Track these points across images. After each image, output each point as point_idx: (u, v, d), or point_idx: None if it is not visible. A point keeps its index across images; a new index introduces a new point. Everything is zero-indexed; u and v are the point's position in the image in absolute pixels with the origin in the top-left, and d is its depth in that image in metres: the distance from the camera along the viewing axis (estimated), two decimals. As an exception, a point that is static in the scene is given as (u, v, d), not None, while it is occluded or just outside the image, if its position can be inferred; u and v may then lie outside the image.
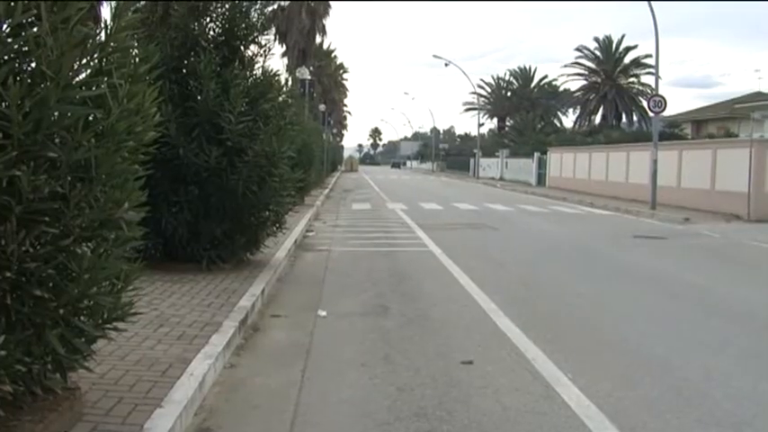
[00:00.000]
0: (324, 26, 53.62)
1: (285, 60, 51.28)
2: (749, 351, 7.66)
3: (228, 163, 10.18)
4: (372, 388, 6.13)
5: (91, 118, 4.46)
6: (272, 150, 10.35)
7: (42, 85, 4.09)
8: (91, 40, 4.46)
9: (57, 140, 4.28)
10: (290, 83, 13.09)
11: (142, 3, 10.24)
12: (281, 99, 11.49)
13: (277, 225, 11.70)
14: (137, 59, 5.07)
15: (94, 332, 4.97)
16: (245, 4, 11.03)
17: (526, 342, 7.63)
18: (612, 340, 8.03)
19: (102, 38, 4.60)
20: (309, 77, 42.25)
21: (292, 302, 9.71)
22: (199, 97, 10.25)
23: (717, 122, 59.88)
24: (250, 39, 11.18)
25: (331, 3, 53.26)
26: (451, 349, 7.36)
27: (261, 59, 11.31)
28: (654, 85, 33.19)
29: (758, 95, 60.51)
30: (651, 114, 32.59)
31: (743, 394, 6.15)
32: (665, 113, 41.22)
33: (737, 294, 11.16)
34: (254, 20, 11.14)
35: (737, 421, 5.56)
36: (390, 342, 7.64)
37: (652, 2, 29.39)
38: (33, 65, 4.16)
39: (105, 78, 4.57)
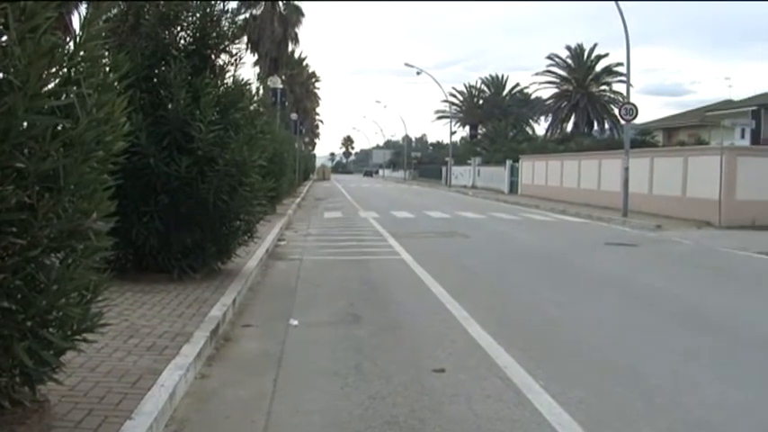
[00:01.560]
0: (296, 35, 53.66)
1: (257, 69, 51.21)
2: (719, 358, 7.72)
3: (199, 172, 10.13)
4: (344, 397, 6.11)
5: (59, 128, 4.43)
6: (243, 159, 10.31)
7: (10, 95, 4.05)
8: (59, 50, 4.43)
9: (25, 151, 4.25)
10: (261, 91, 13.04)
11: (113, 12, 10.19)
12: (252, 108, 11.47)
13: (248, 234, 11.66)
14: (107, 69, 5.04)
15: (63, 344, 4.92)
16: (216, 12, 11.00)
17: (498, 350, 7.64)
18: (584, 347, 8.07)
19: (72, 47, 4.57)
20: (281, 86, 42.17)
21: (264, 312, 9.67)
22: (169, 106, 10.20)
23: (688, 130, 60.45)
24: (221, 48, 11.15)
25: (303, 10, 53.29)
26: (423, 357, 7.36)
27: (232, 68, 11.30)
28: (625, 93, 33.44)
29: (728, 103, 61.11)
30: (623, 122, 32.83)
31: (713, 401, 6.19)
32: (637, 121, 41.55)
33: (708, 302, 11.25)
34: (226, 29, 11.11)
35: (708, 428, 5.61)
36: (362, 351, 7.63)
37: (623, 8, 29.71)
38: (0, 75, 4.13)
39: (74, 88, 4.54)
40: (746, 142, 46.60)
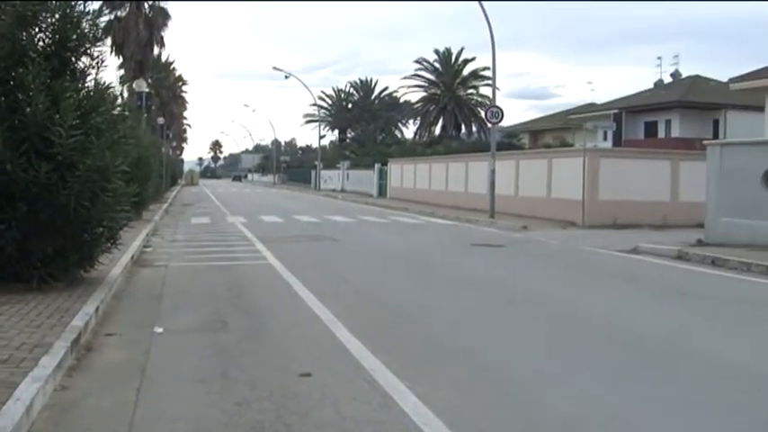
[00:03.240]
0: (162, 38, 52.63)
1: (122, 72, 49.99)
2: (582, 354, 7.95)
3: (60, 178, 9.77)
4: (209, 404, 6.02)
5: None
6: (105, 165, 10.02)
7: None
8: None
9: None
10: (125, 95, 12.74)
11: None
12: (115, 112, 11.18)
13: (112, 241, 11.33)
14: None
15: None
16: (76, 13, 10.67)
17: (365, 353, 7.67)
18: (450, 348, 8.19)
19: None
20: (147, 90, 41.26)
21: (128, 320, 9.42)
22: (27, 110, 9.80)
23: (553, 132, 62.37)
24: (82, 50, 10.83)
25: (170, 13, 52.32)
26: (290, 362, 7.32)
27: (94, 71, 10.99)
28: (492, 97, 34.16)
29: (591, 106, 63.31)
30: (489, 125, 33.56)
31: (574, 396, 6.37)
32: (504, 124, 42.61)
33: (571, 299, 11.60)
34: (87, 30, 10.78)
35: (569, 422, 5.76)
36: (228, 357, 7.54)
37: (489, 12, 30.36)
38: None
39: None
40: (609, 144, 48.49)
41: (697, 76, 56.56)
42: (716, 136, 45.24)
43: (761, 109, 38.08)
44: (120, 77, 47.51)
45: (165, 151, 53.37)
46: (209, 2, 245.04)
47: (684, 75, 58.51)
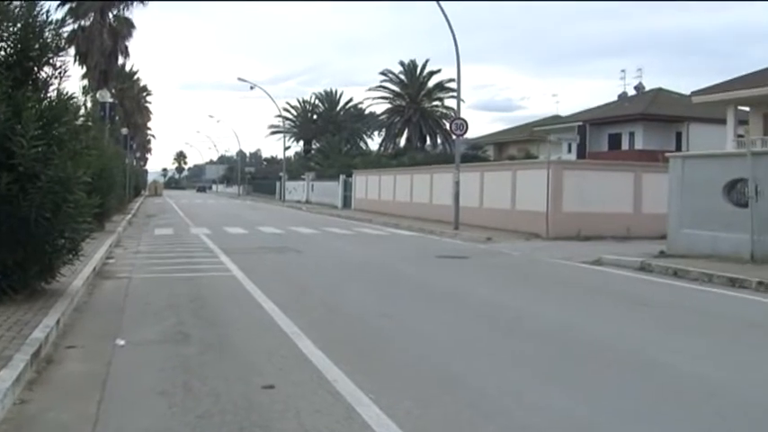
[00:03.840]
0: (126, 48, 52.28)
1: (85, 82, 49.60)
2: (543, 366, 8.00)
3: (20, 189, 9.69)
4: (171, 417, 5.99)
5: None
6: (67, 176, 9.96)
7: None
8: None
9: None
10: (89, 105, 12.62)
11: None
12: (78, 122, 11.11)
13: (73, 253, 11.24)
14: None
15: None
16: (38, 23, 10.59)
17: (328, 364, 7.67)
18: (414, 359, 8.21)
19: None
20: (111, 100, 40.97)
21: (89, 332, 9.35)
22: (-12, 121, 9.75)
23: (518, 144, 62.87)
24: (44, 60, 10.75)
25: (134, 23, 52.02)
26: (253, 374, 7.31)
27: (56, 81, 10.92)
28: (457, 109, 34.34)
29: (556, 119, 63.95)
30: (454, 137, 33.74)
31: (536, 407, 6.41)
32: (469, 136, 42.85)
33: (534, 310, 11.67)
34: (49, 40, 10.71)
35: (528, 432, 5.82)
36: (190, 369, 7.50)
37: (454, 25, 30.51)
38: None
39: None
40: (573, 156, 48.95)
41: (660, 89, 57.30)
42: (679, 148, 45.84)
43: (722, 122, 38.74)
44: (84, 87, 47.12)
45: (128, 162, 53.07)
46: (174, 12, 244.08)
47: (648, 87, 59.27)
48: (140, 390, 6.78)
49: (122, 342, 8.70)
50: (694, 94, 39.78)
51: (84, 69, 49.78)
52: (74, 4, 48.24)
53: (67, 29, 12.07)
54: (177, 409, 6.19)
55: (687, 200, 19.37)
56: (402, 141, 75.26)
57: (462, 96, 32.95)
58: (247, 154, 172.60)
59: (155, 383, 6.96)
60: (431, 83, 74.80)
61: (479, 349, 8.76)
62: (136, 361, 7.92)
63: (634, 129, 50.67)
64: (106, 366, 7.62)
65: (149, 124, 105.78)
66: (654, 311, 11.92)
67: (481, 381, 7.28)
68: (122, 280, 14.22)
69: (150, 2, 51.58)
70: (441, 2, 30.38)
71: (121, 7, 50.81)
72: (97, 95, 38.87)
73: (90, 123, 12.74)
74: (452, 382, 7.22)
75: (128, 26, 51.58)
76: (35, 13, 10.60)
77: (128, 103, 75.87)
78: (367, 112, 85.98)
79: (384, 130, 77.90)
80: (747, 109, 37.97)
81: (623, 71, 74.77)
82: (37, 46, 10.57)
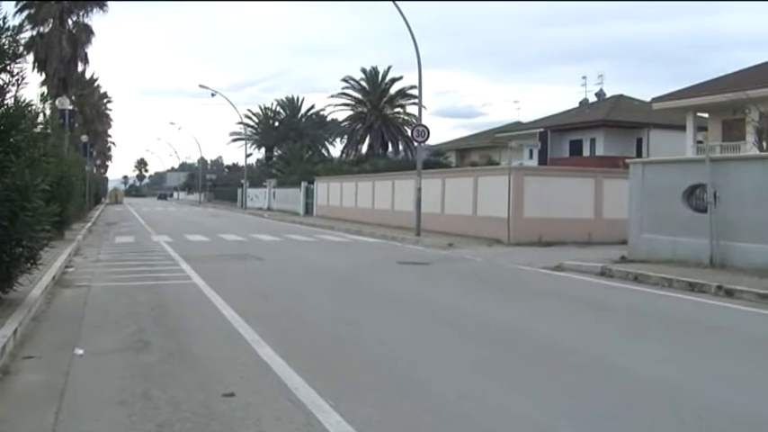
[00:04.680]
0: (86, 54, 51.67)
1: (44, 89, 49.02)
2: (504, 371, 8.05)
3: (-24, 197, 9.62)
4: (131, 426, 5.95)
5: None
6: (25, 183, 9.88)
7: None
8: None
9: None
10: (48, 112, 12.50)
11: None
12: (36, 130, 11.02)
13: (32, 261, 11.13)
14: None
15: None
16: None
17: (289, 372, 7.67)
18: (375, 366, 8.23)
19: None
20: (71, 107, 40.59)
21: (47, 342, 9.25)
22: (-57, 128, 9.65)
23: (480, 151, 63.25)
24: (1, 67, 10.65)
25: (94, 29, 51.53)
26: (213, 382, 7.28)
27: (14, 88, 10.81)
28: (418, 115, 34.39)
29: (518, 125, 64.41)
30: (416, 143, 33.81)
31: (497, 412, 6.46)
32: (431, 142, 43.06)
33: (496, 316, 11.75)
34: (6, 47, 10.62)
35: (486, 437, 5.86)
36: (150, 378, 7.46)
37: (415, 32, 30.61)
38: None
39: None
40: (535, 162, 49.34)
41: (621, 96, 57.97)
42: (639, 154, 46.40)
43: (682, 128, 39.28)
44: (42, 95, 46.49)
45: (88, 169, 52.57)
46: (132, 17, 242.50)
47: (609, 94, 59.92)
48: (99, 399, 6.73)
49: (81, 351, 8.63)
50: (654, 100, 40.34)
51: (43, 76, 49.19)
52: (32, 11, 47.74)
53: (25, 35, 11.96)
54: (136, 418, 6.15)
55: (647, 205, 19.61)
56: (364, 148, 75.25)
57: (424, 103, 33.17)
58: (209, 161, 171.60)
59: (114, 393, 6.91)
60: (393, 90, 74.92)
61: (441, 355, 8.79)
62: (95, 370, 7.86)
63: (595, 135, 51.17)
64: (64, 376, 7.56)
65: (110, 131, 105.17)
66: (614, 316, 12.05)
67: (443, 386, 7.31)
68: (82, 289, 14.09)
69: (110, 2, 50.80)
70: (400, 3, 30.50)
71: (81, 14, 50.32)
72: (56, 103, 38.42)
73: (49, 131, 12.64)
74: (413, 388, 7.24)
75: (87, 32, 51.06)
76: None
77: (88, 111, 75.14)
78: (329, 118, 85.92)
79: (346, 136, 77.84)
80: (706, 115, 38.57)
81: (584, 78, 75.95)
82: (-7, 53, 10.48)
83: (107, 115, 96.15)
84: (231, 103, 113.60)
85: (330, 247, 25.73)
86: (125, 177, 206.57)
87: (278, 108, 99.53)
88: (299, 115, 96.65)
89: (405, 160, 60.25)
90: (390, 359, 8.57)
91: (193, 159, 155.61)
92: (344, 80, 76.82)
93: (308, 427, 5.97)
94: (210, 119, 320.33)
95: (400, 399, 6.84)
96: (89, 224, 36.79)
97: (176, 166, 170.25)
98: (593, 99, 60.62)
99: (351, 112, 77.03)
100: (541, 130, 54.43)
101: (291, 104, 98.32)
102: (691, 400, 6.98)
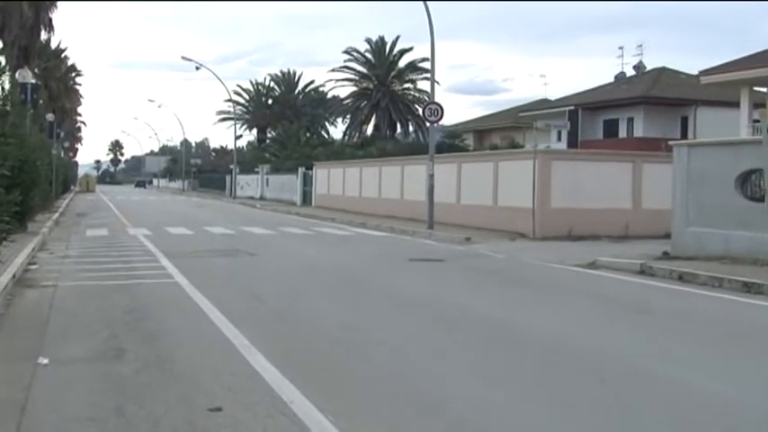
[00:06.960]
0: (50, 20, 51.63)
1: (2, 59, 49.01)
2: (529, 383, 7.99)
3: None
4: (102, 446, 5.93)
5: None
6: (-19, 168, 9.86)
7: None
8: None
9: None
10: (6, 87, 12.45)
11: None
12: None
13: (-12, 257, 11.15)
14: None
15: None
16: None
17: (283, 383, 7.62)
18: (381, 376, 8.18)
19: None
20: (34, 81, 40.58)
21: (7, 351, 9.22)
22: None
23: (501, 132, 63.06)
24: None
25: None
26: (197, 395, 7.23)
27: (-33, 60, 10.78)
28: (431, 92, 34.19)
29: (544, 103, 64.08)
30: (428, 124, 33.65)
31: (520, 428, 6.42)
32: (445, 122, 42.92)
33: (519, 321, 11.67)
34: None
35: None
36: (125, 391, 7.40)
37: (428, 1, 30.45)
38: None
39: None
40: (563, 145, 49.01)
41: (663, 69, 57.60)
42: (684, 135, 46.17)
43: (735, 105, 38.99)
44: (0, 66, 46.65)
45: (55, 153, 52.61)
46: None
47: (649, 67, 59.49)
48: (65, 416, 6.67)
49: (45, 361, 8.58)
50: (702, 73, 39.99)
51: (1, 45, 49.25)
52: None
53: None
54: (109, 437, 6.12)
55: (694, 194, 19.46)
56: (369, 129, 75.24)
57: (438, 77, 33.05)
58: (193, 144, 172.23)
59: (83, 408, 6.86)
60: (402, 63, 74.77)
61: (457, 364, 8.73)
62: (61, 382, 7.80)
63: (633, 114, 50.92)
64: (25, 390, 7.48)
65: (79, 109, 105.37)
66: (658, 320, 11.97)
67: (459, 400, 7.24)
68: (47, 289, 14.06)
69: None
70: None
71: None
72: (17, 75, 38.41)
73: (8, 108, 12.61)
74: (425, 403, 7.19)
75: (51, -6, 51.02)
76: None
77: (54, 85, 75.33)
78: (330, 95, 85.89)
79: (349, 116, 77.70)
80: (765, 90, 38.25)
81: (621, 48, 74.93)
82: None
83: (76, 91, 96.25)
84: (218, 77, 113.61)
85: (331, 242, 25.71)
86: (98, 162, 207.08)
87: (271, 84, 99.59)
88: (296, 92, 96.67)
89: (415, 143, 60.18)
90: (398, 369, 8.51)
91: (176, 142, 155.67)
92: (347, 52, 76.67)
93: (306, 446, 5.93)
94: (195, 95, 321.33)
95: (410, 415, 6.78)
96: (56, 215, 36.85)
97: (156, 150, 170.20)
98: (630, 73, 60.21)
99: (354, 89, 76.92)
100: (571, 108, 54.17)
101: (287, 80, 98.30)
102: (751, 413, 6.92)
